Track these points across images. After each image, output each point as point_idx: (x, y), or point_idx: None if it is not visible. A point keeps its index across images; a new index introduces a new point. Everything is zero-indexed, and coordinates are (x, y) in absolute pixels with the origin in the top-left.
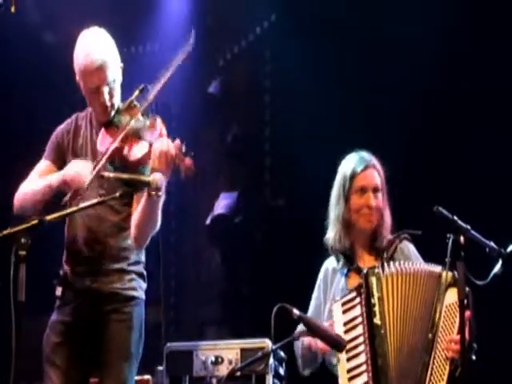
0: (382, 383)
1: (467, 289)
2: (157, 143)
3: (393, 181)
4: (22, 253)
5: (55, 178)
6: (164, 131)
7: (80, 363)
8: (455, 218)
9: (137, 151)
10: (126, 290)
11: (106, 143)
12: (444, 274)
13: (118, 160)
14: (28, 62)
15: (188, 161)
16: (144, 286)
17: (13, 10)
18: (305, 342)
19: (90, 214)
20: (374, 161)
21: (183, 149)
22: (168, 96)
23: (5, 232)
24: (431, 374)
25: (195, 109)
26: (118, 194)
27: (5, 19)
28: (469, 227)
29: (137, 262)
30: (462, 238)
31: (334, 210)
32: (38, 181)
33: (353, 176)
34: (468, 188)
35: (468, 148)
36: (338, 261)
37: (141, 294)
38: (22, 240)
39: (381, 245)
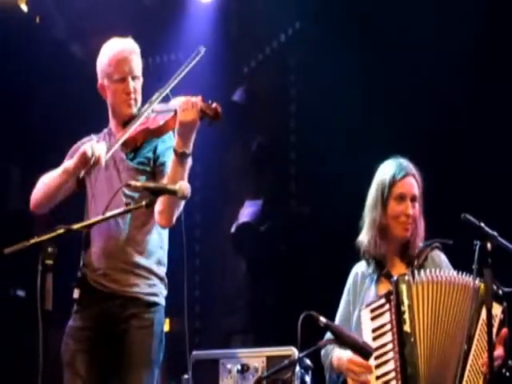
0: None
1: (504, 303)
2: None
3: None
4: (49, 262)
5: (71, 161)
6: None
7: (100, 371)
8: (482, 224)
9: (159, 120)
10: (147, 295)
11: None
12: (482, 286)
13: (141, 143)
14: (53, 75)
15: (215, 106)
16: (165, 292)
17: (38, 20)
18: (335, 362)
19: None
20: (413, 169)
21: (208, 100)
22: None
23: (32, 241)
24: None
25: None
26: (144, 203)
27: (30, 31)
28: (496, 234)
29: (159, 263)
30: (489, 245)
31: (371, 214)
32: (53, 172)
33: (392, 182)
34: (495, 194)
35: (494, 153)
36: (368, 265)
37: (162, 300)
38: (49, 249)
39: (413, 253)
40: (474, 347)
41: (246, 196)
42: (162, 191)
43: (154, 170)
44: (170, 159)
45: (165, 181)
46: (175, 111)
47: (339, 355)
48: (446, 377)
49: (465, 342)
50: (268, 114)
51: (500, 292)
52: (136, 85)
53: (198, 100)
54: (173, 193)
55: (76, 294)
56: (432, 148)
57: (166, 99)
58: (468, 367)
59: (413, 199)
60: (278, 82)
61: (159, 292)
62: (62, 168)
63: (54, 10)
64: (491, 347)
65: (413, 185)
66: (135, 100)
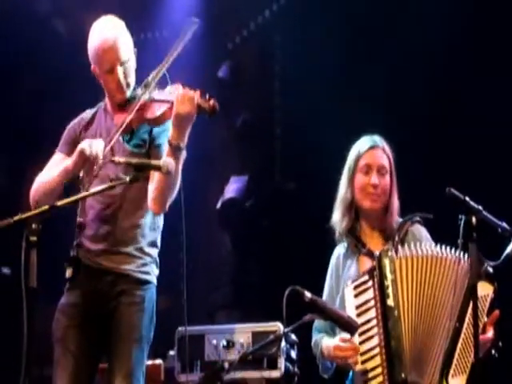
0: (395, 366)
1: (495, 284)
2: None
3: (405, 162)
4: (33, 238)
5: (70, 159)
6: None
7: (91, 347)
8: (467, 198)
9: (156, 109)
10: (138, 272)
11: (122, 120)
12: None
13: (136, 127)
14: (38, 54)
15: (212, 100)
16: (157, 272)
17: None
18: (324, 350)
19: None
20: (383, 143)
21: (206, 94)
22: (176, 80)
23: (16, 218)
24: (456, 363)
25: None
26: (128, 179)
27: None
28: (481, 208)
29: (152, 244)
30: (474, 219)
31: (340, 191)
32: (52, 169)
33: (358, 155)
34: (479, 168)
35: (480, 128)
36: (347, 243)
37: (153, 279)
38: (33, 226)
39: (390, 227)
40: (465, 325)
41: (231, 172)
42: (146, 167)
43: (150, 152)
44: (165, 141)
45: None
46: (172, 102)
47: (327, 344)
48: (435, 351)
49: (453, 318)
50: (253, 90)
51: (490, 270)
52: (126, 69)
53: (195, 94)
54: (156, 168)
55: (68, 272)
56: (418, 122)
57: (162, 78)
58: (459, 344)
59: (380, 170)
60: (263, 58)
61: (151, 271)
62: (60, 168)
63: None
64: (477, 323)
65: (379, 156)
66: (127, 84)
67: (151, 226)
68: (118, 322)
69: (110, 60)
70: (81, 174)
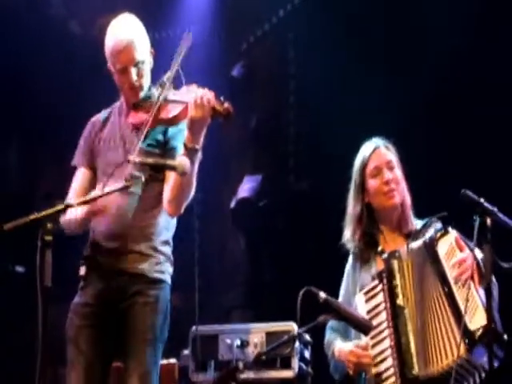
0: (406, 363)
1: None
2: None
3: (418, 163)
4: (48, 238)
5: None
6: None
7: (104, 347)
8: (482, 200)
9: (171, 110)
10: (152, 272)
11: (137, 120)
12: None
13: (151, 127)
14: (52, 54)
15: (227, 104)
16: (170, 270)
17: None
18: (336, 352)
19: None
20: (385, 142)
21: (220, 97)
22: (190, 79)
23: (31, 217)
24: (467, 311)
25: (218, 92)
26: (143, 179)
27: (30, 9)
28: (495, 209)
29: (165, 243)
30: (488, 221)
31: (348, 207)
32: (73, 211)
33: (363, 162)
34: (495, 170)
35: (495, 130)
36: (360, 259)
37: (167, 277)
38: (48, 225)
39: (408, 226)
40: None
41: (245, 171)
42: (162, 167)
43: (165, 153)
44: (180, 143)
45: None
46: (187, 103)
47: (341, 347)
48: (436, 339)
49: (441, 286)
50: (267, 89)
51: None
52: (140, 70)
53: (210, 98)
54: (172, 168)
55: (82, 271)
56: (433, 121)
57: (177, 78)
58: (459, 300)
59: (388, 166)
60: (277, 58)
61: (165, 270)
62: (74, 218)
63: None
64: (490, 317)
65: (384, 154)
66: (140, 86)
67: (165, 225)
68: (132, 322)
69: (123, 60)
70: (97, 174)
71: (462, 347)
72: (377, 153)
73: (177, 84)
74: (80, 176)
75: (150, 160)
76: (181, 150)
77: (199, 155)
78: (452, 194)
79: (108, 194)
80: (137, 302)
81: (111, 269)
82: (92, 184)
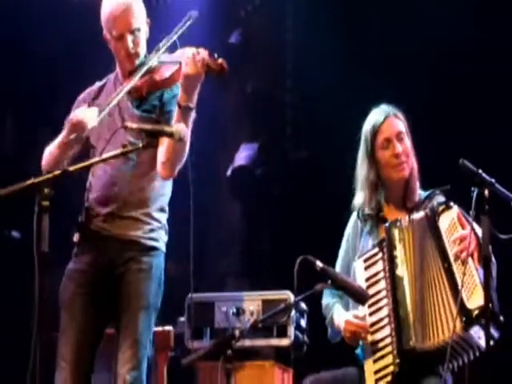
0: (403, 334)
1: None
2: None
3: (416, 133)
4: (45, 203)
5: (63, 133)
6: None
7: (97, 314)
8: (480, 171)
9: (165, 71)
10: (146, 239)
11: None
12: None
13: (146, 93)
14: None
15: (220, 60)
16: (165, 238)
17: None
18: (335, 320)
19: None
20: (395, 110)
21: (214, 54)
22: (187, 46)
23: (28, 182)
24: (464, 289)
25: None
26: (140, 145)
27: None
28: (493, 181)
29: (161, 209)
30: (486, 192)
31: (360, 171)
32: (55, 140)
33: (374, 131)
34: (492, 141)
35: (493, 101)
36: (365, 225)
37: (161, 245)
38: (45, 190)
39: (413, 198)
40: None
41: (241, 139)
42: (159, 133)
43: (160, 118)
44: (175, 107)
45: None
46: (180, 63)
47: (339, 314)
48: (434, 312)
49: (441, 261)
50: (264, 57)
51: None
52: (136, 38)
53: (203, 54)
54: (169, 135)
55: (76, 237)
56: (431, 92)
57: (172, 47)
58: (458, 277)
59: (398, 137)
60: (275, 26)
61: (159, 237)
62: (58, 139)
63: None
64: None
65: (395, 124)
66: (136, 53)
67: (160, 191)
68: (125, 289)
69: (119, 27)
70: (92, 142)
71: (459, 325)
72: (387, 122)
73: (172, 49)
74: None
75: (147, 126)
76: (175, 114)
77: (193, 114)
78: (447, 165)
79: (105, 160)
80: (130, 269)
81: (105, 235)
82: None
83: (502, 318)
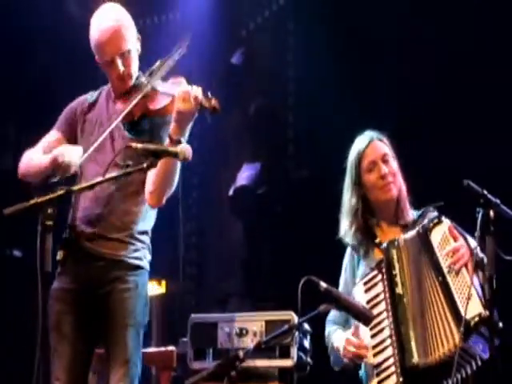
0: (406, 352)
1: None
2: (180, 87)
3: (420, 154)
4: (49, 223)
5: (47, 159)
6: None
7: (85, 332)
8: (485, 192)
9: (159, 102)
10: (131, 258)
11: (125, 108)
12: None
13: (138, 117)
14: (50, 33)
15: (214, 100)
16: (149, 257)
17: None
18: (335, 345)
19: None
20: (379, 135)
21: (208, 92)
22: (190, 66)
23: (32, 202)
24: (459, 299)
25: (218, 79)
26: (145, 165)
27: None
28: (498, 201)
29: (144, 232)
30: (491, 213)
31: (345, 199)
32: (37, 155)
33: (359, 156)
34: (496, 162)
35: (496, 121)
36: (359, 253)
37: (146, 264)
38: (49, 210)
39: (405, 217)
40: (446, 275)
41: (244, 159)
42: (163, 153)
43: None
44: (166, 134)
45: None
46: (174, 96)
47: (338, 337)
48: (434, 325)
49: (435, 276)
50: (266, 77)
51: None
52: (127, 59)
53: (197, 93)
54: (174, 155)
55: (59, 255)
56: (433, 112)
57: (168, 72)
58: (453, 288)
59: (383, 159)
60: (277, 45)
61: (143, 256)
62: (39, 161)
63: None
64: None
65: (379, 147)
66: (128, 75)
67: (144, 215)
68: (112, 308)
69: (108, 52)
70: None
71: (457, 336)
72: (371, 146)
73: (166, 76)
74: (52, 137)
75: (151, 146)
76: (166, 140)
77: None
78: (452, 185)
79: (109, 180)
80: (116, 288)
81: (89, 254)
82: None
83: (501, 324)
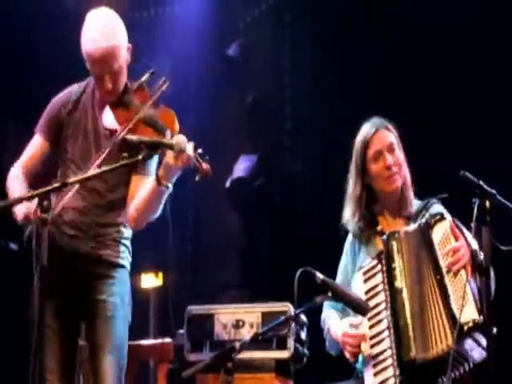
0: (403, 346)
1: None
2: (175, 139)
3: (416, 144)
4: (45, 215)
5: (19, 208)
6: (177, 127)
7: (68, 325)
8: (481, 182)
9: (147, 134)
10: (113, 257)
11: (112, 122)
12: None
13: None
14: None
15: (206, 165)
16: (130, 258)
17: None
18: (332, 332)
19: (87, 185)
20: (386, 123)
21: (200, 151)
22: (188, 59)
23: (28, 194)
24: (455, 301)
25: (215, 71)
26: (140, 157)
27: None
28: (494, 192)
29: (126, 238)
30: (487, 203)
31: (349, 186)
32: (13, 184)
33: (364, 145)
34: (493, 151)
35: (494, 111)
36: (360, 241)
37: (127, 263)
38: (45, 203)
39: (408, 208)
40: (445, 274)
41: (240, 151)
42: (159, 145)
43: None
44: (153, 161)
45: (145, 179)
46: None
47: (335, 325)
48: (432, 321)
49: (434, 274)
50: (263, 68)
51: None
52: (116, 76)
53: (192, 156)
54: (170, 147)
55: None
56: (432, 101)
57: (155, 78)
58: (450, 290)
59: (389, 149)
60: (274, 38)
61: (124, 256)
62: (13, 194)
63: None
64: (489, 307)
65: (385, 136)
66: (115, 91)
67: (127, 226)
68: (95, 304)
69: (98, 70)
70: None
71: (451, 338)
72: (378, 135)
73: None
74: (36, 144)
75: (147, 139)
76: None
77: (169, 191)
78: (448, 175)
79: (106, 171)
80: (98, 285)
81: (70, 251)
82: (44, 155)
83: (495, 330)
